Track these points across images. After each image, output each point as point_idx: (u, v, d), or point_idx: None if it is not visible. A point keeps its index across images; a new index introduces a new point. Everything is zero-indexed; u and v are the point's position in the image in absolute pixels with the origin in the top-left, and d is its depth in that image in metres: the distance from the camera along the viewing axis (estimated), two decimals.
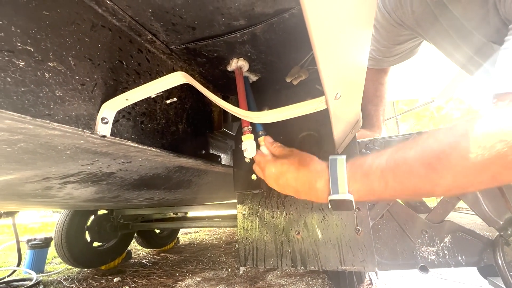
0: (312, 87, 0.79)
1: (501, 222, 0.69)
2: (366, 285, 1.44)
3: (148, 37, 0.61)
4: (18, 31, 0.39)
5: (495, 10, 0.61)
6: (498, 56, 0.53)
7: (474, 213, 0.73)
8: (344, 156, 0.52)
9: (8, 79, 0.37)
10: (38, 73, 0.41)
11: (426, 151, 0.43)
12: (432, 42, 0.90)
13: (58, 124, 0.41)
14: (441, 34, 0.81)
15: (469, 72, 0.88)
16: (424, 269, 0.71)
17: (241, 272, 1.82)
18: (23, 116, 0.37)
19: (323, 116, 0.55)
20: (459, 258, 0.70)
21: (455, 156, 0.40)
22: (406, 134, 0.81)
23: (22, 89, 0.39)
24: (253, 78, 0.78)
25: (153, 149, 0.61)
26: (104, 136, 0.49)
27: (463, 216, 1.12)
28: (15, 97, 0.38)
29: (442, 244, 0.72)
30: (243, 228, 0.82)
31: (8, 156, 0.50)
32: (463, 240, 0.71)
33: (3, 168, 0.55)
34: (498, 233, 0.68)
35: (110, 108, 0.51)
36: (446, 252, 0.71)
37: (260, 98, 0.85)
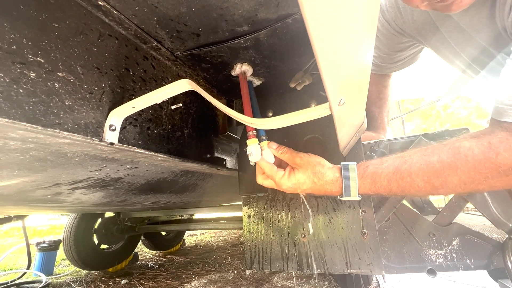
0: (316, 90, 0.79)
1: (511, 225, 0.68)
2: (373, 287, 1.43)
3: (154, 44, 0.62)
4: (29, 43, 0.40)
5: (501, 23, 0.62)
6: (503, 69, 0.53)
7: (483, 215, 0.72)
8: (355, 164, 0.60)
9: (21, 90, 0.38)
10: (49, 83, 0.42)
11: (429, 169, 0.52)
12: (433, 49, 0.91)
13: (68, 133, 0.42)
14: (442, 42, 0.83)
15: (470, 76, 0.89)
16: (432, 272, 0.70)
17: (247, 274, 1.83)
18: (35, 126, 0.38)
19: (327, 119, 0.55)
20: (468, 261, 0.69)
21: (452, 177, 0.50)
22: (411, 136, 0.81)
23: (34, 99, 0.40)
24: (257, 82, 0.78)
25: (159, 155, 0.62)
26: (112, 143, 0.50)
27: (472, 218, 1.11)
28: (27, 107, 0.39)
29: (450, 247, 0.71)
30: (249, 231, 0.82)
31: (20, 164, 0.51)
32: (471, 243, 0.70)
33: (16, 175, 0.57)
34: (507, 235, 0.67)
35: (118, 116, 0.52)
36: (454, 255, 0.70)
37: (264, 102, 0.85)
